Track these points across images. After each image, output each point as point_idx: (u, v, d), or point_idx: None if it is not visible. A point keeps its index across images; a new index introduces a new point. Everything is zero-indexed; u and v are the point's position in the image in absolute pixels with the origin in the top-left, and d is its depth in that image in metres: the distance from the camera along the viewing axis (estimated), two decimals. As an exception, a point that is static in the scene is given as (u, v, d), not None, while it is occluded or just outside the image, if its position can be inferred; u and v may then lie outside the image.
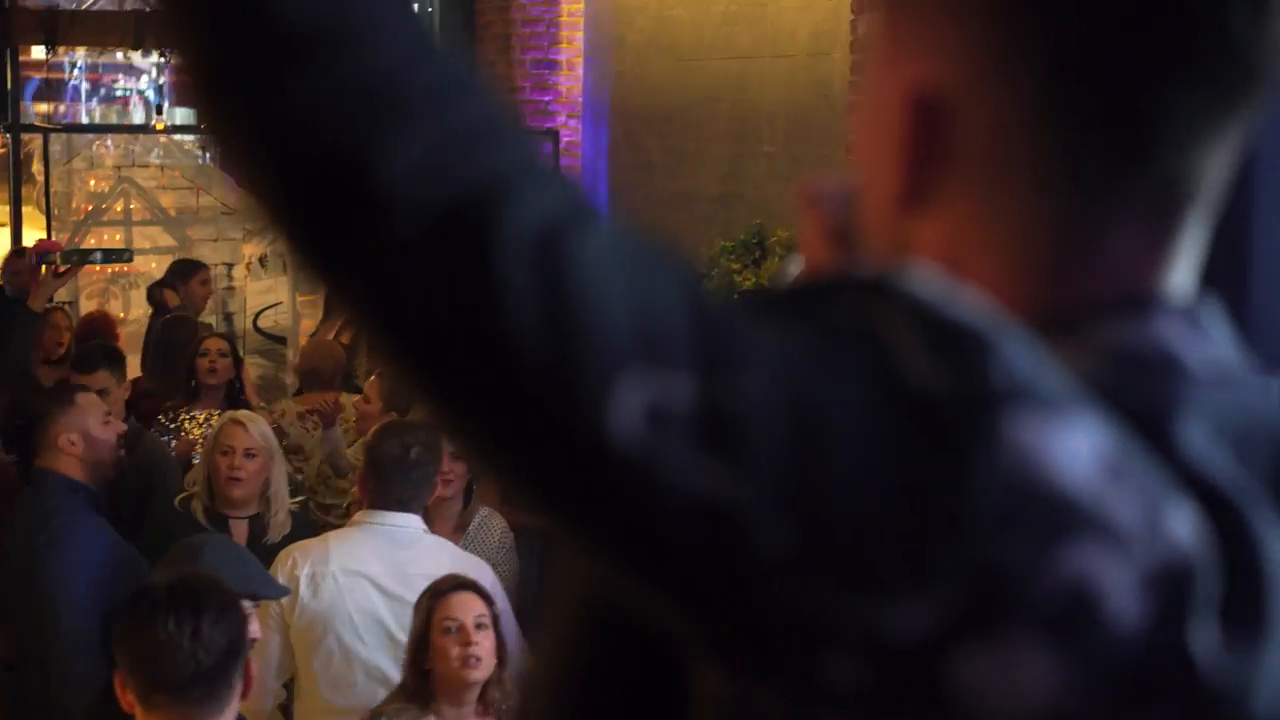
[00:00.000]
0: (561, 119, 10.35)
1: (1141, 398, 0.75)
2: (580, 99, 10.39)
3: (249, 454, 4.72)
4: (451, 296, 0.63)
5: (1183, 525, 0.70)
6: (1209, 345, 0.80)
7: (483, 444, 0.67)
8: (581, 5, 10.31)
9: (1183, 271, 0.82)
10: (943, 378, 0.67)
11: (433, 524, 4.43)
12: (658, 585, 0.67)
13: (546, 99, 10.36)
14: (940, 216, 0.81)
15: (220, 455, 4.73)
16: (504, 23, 10.41)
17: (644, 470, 0.64)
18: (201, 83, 0.66)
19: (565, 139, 10.27)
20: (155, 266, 9.77)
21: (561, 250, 0.64)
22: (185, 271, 7.95)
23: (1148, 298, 0.80)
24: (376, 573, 4.08)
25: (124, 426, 4.83)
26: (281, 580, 3.96)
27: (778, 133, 8.21)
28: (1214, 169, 0.82)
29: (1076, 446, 0.68)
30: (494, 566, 4.35)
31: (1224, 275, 2.27)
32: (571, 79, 10.38)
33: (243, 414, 5.04)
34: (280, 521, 4.75)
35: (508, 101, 0.68)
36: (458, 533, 4.71)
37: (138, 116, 21.84)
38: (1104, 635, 0.68)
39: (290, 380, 8.69)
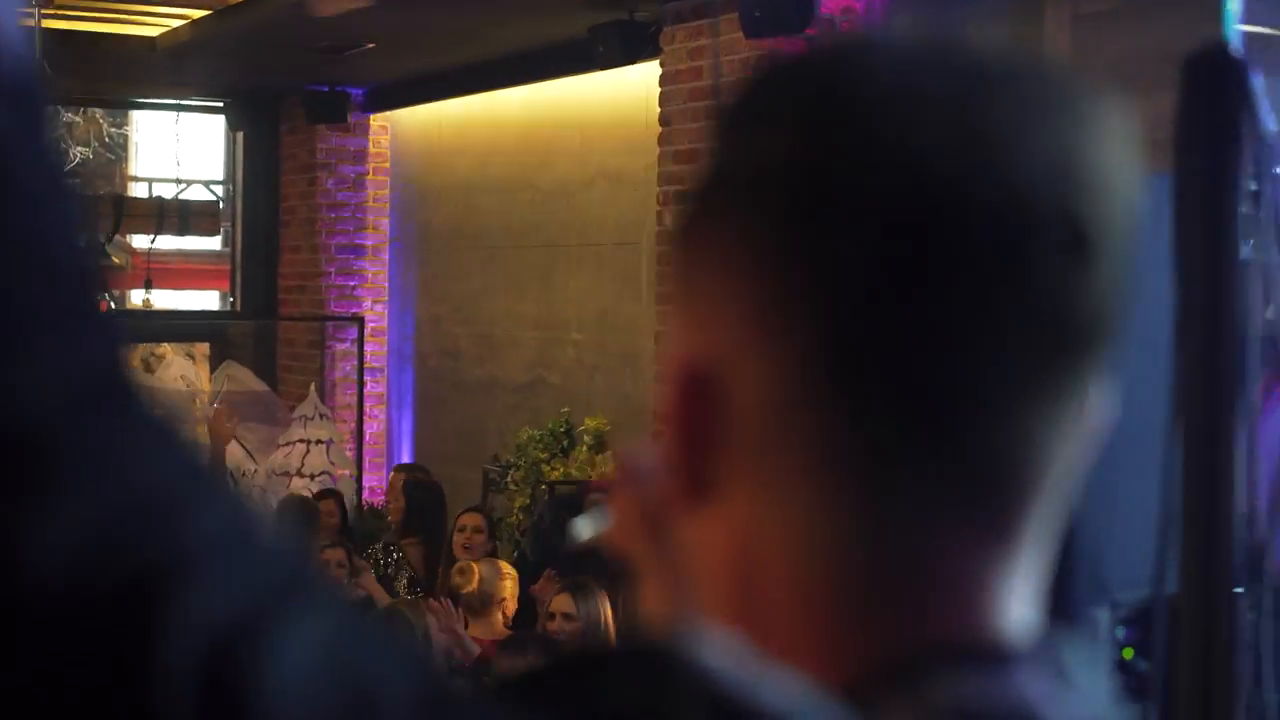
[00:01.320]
0: (368, 304, 10.25)
1: None
2: (386, 284, 10.32)
3: None
4: (101, 703, 0.48)
5: None
6: (1076, 700, 0.69)
7: None
8: (387, 191, 10.28)
9: (1027, 588, 0.70)
10: None
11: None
12: None
13: (352, 284, 10.27)
14: (725, 515, 0.70)
15: None
16: (309, 208, 10.33)
17: None
18: None
19: (371, 324, 10.16)
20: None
21: (246, 647, 0.50)
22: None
23: (994, 637, 0.68)
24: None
25: None
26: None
27: (585, 320, 8.21)
28: (1046, 444, 0.68)
29: None
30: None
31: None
32: (377, 264, 10.31)
33: None
34: None
35: (204, 458, 0.53)
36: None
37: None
38: None
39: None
